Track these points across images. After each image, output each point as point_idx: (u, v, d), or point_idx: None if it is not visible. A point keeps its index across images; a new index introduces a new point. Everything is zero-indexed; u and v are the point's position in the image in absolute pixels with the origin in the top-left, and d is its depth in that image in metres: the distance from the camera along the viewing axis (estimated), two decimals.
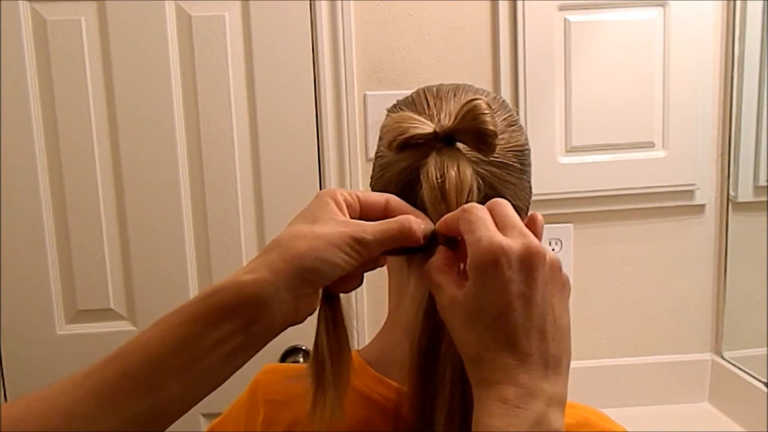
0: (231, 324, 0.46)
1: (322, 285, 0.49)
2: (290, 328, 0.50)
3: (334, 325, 0.53)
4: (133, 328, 1.38)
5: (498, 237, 0.46)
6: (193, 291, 1.39)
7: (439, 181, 0.52)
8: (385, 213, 0.53)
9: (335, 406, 0.51)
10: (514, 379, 0.44)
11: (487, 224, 0.47)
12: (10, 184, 1.33)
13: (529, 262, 0.45)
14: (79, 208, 1.35)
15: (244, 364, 0.48)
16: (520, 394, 0.44)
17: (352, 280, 0.52)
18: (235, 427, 0.67)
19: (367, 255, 0.49)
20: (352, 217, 0.51)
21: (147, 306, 1.38)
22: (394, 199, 0.54)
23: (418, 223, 0.50)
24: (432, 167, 0.53)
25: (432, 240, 0.51)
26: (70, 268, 1.37)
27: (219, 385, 0.48)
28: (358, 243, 0.48)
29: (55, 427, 0.44)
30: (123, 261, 1.38)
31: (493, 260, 0.45)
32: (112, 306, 1.38)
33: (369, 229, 0.49)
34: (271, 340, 0.49)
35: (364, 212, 0.53)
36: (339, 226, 0.49)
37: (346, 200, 0.52)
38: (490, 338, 0.45)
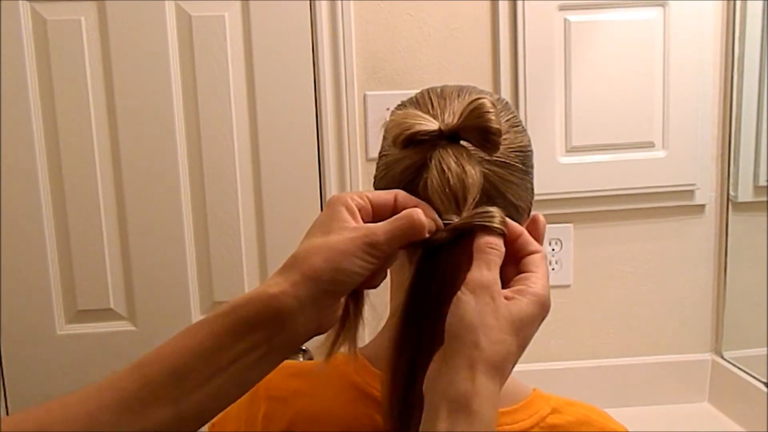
0: (254, 337, 0.48)
1: (343, 294, 0.51)
2: None
3: (355, 315, 0.57)
4: (133, 328, 1.38)
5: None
6: (193, 291, 1.39)
7: (447, 173, 0.53)
8: (395, 209, 0.53)
9: (351, 343, 0.58)
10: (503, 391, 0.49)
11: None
12: (10, 184, 1.33)
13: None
14: (79, 208, 1.35)
15: (267, 372, 0.50)
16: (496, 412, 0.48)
17: (375, 276, 0.53)
18: (236, 423, 0.67)
19: (383, 256, 0.50)
20: (365, 220, 0.52)
21: (147, 306, 1.38)
22: (401, 194, 0.54)
23: (421, 213, 0.51)
24: (438, 160, 0.53)
25: (458, 232, 0.52)
26: (70, 268, 1.37)
27: (242, 394, 0.49)
28: (371, 247, 0.49)
29: None
30: (123, 261, 1.38)
31: (546, 310, 0.51)
32: (112, 306, 1.38)
33: (379, 231, 0.50)
34: (295, 350, 0.50)
35: (376, 212, 0.53)
36: (351, 233, 0.50)
37: (357, 204, 0.52)
38: (517, 353, 0.49)
